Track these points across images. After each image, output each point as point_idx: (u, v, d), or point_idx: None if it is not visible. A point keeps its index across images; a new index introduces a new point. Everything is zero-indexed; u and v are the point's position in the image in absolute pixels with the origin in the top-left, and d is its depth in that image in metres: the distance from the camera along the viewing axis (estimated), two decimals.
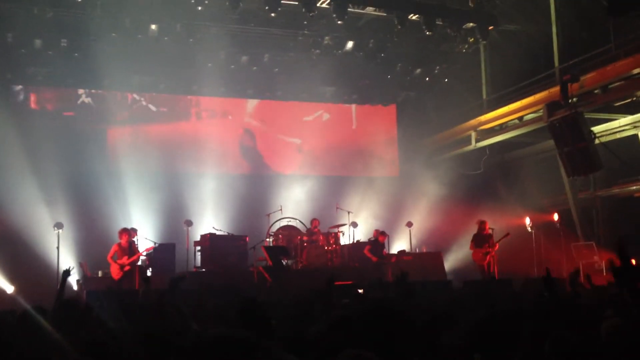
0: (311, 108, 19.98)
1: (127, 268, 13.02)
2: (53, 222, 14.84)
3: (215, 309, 6.29)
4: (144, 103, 18.36)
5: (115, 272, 13.05)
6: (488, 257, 14.85)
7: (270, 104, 19.67)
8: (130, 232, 13.47)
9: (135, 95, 18.23)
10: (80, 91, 17.72)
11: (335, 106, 20.39)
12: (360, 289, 10.96)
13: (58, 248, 14.37)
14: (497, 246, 14.89)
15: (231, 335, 2.55)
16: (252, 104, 19.51)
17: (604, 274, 14.69)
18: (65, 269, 7.29)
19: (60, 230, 14.56)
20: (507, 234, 14.93)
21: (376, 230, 17.01)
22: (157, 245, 14.88)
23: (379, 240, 16.03)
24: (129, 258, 13.09)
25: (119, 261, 13.03)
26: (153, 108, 18.44)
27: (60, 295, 7.00)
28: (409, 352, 3.52)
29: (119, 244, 13.19)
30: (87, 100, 17.75)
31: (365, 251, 15.73)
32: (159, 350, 3.63)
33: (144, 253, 14.06)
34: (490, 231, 15.19)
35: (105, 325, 5.12)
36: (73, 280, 14.56)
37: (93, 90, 17.68)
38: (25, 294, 11.87)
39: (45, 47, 15.78)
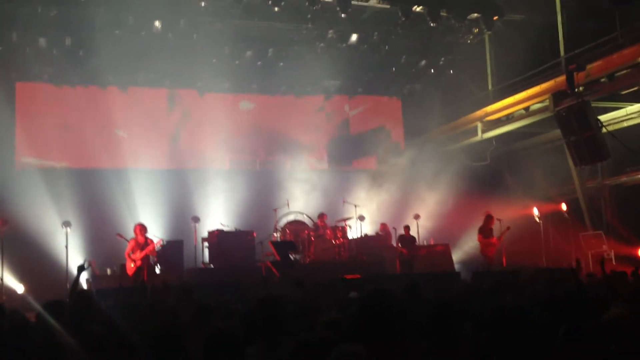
0: (316, 101, 19.94)
1: (138, 263, 12.96)
2: (61, 220, 14.88)
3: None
4: (149, 99, 18.37)
5: (129, 268, 13.06)
6: (494, 248, 15.19)
7: (276, 99, 19.63)
8: (144, 227, 13.28)
9: (141, 91, 18.20)
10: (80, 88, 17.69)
11: (341, 99, 20.35)
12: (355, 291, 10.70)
13: (67, 246, 14.39)
14: (502, 238, 15.39)
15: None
16: (256, 98, 19.48)
17: (613, 262, 14.69)
18: (79, 264, 7.31)
19: (68, 229, 14.57)
20: (508, 228, 15.34)
21: (382, 224, 17.05)
22: (165, 241, 14.75)
23: (405, 235, 16.18)
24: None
25: (132, 256, 13.01)
26: (158, 104, 18.45)
27: (73, 290, 7.05)
28: (410, 343, 3.50)
29: (135, 239, 13.12)
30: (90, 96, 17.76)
31: (396, 245, 16.13)
32: (171, 349, 3.62)
33: (156, 247, 13.69)
34: (497, 222, 15.41)
35: (115, 324, 5.11)
36: (82, 278, 14.54)
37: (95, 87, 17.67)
38: (35, 293, 11.85)
39: (49, 46, 15.85)
